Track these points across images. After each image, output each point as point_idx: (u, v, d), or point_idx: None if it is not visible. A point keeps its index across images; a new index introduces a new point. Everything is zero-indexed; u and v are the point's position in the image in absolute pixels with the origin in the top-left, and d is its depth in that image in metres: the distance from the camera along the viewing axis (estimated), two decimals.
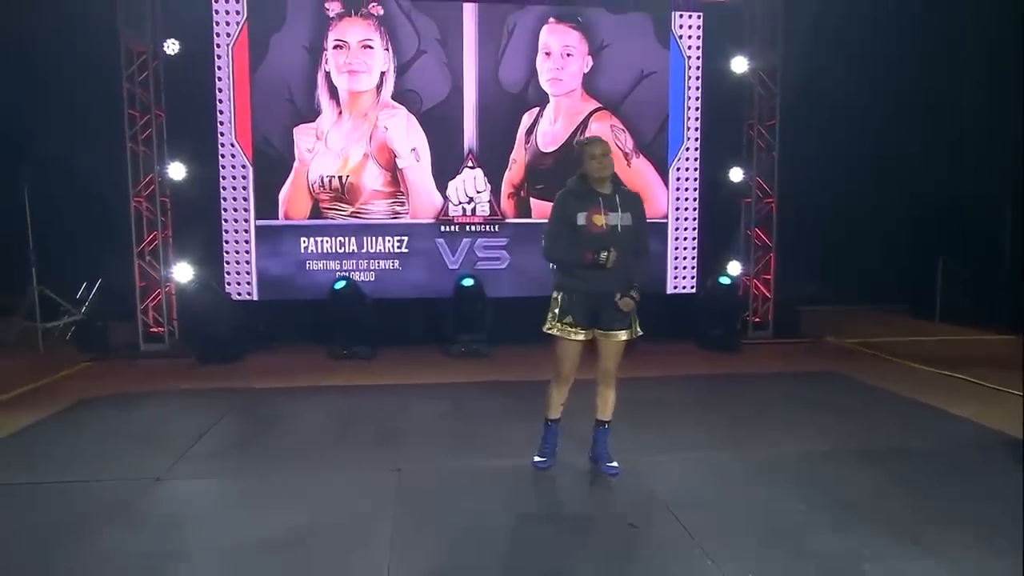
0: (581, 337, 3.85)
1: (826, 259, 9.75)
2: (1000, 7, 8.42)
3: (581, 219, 3.70)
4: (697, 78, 8.22)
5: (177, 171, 7.53)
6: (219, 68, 7.56)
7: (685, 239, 8.42)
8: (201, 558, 3.16)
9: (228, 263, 7.75)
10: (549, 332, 3.89)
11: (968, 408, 5.41)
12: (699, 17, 8.17)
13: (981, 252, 9.65)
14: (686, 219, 8.40)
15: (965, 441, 4.74)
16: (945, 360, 7.03)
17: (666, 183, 8.30)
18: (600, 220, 3.68)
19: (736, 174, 8.36)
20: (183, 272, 7.61)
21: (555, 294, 3.90)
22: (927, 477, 4.06)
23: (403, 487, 3.90)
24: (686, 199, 8.37)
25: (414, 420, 5.20)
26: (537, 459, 4.14)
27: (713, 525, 3.42)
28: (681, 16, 8.15)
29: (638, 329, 3.91)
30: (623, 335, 3.85)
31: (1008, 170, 9.07)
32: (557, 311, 3.85)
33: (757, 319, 8.56)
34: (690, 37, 8.18)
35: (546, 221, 3.91)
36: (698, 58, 8.20)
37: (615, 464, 4.04)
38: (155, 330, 7.70)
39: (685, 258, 8.44)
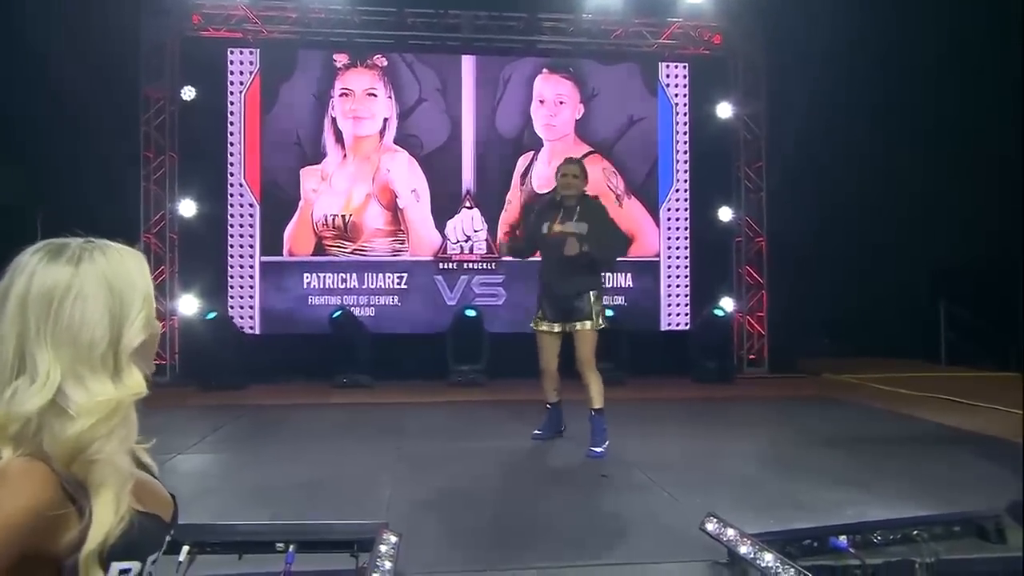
0: (552, 330, 4.86)
1: (829, 304, 10.52)
2: (978, 46, 9.39)
3: (544, 228, 4.84)
4: (685, 123, 9.41)
5: (188, 208, 8.62)
6: (231, 113, 8.78)
7: (678, 277, 9.40)
8: (226, 494, 3.99)
9: (232, 297, 8.72)
10: (532, 328, 5.00)
11: (938, 416, 6.23)
12: (684, 67, 9.44)
13: (984, 292, 10.35)
14: (678, 257, 9.41)
15: (924, 434, 5.58)
16: (936, 390, 7.78)
17: (657, 223, 9.35)
18: (556, 228, 4.73)
19: (725, 214, 9.42)
20: (188, 305, 8.56)
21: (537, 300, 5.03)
22: (881, 454, 4.88)
23: (403, 455, 4.76)
24: (677, 238, 9.41)
25: (414, 422, 6.08)
26: (535, 431, 5.16)
27: (675, 476, 4.24)
28: (667, 66, 9.42)
29: (600, 322, 4.84)
30: (586, 325, 4.78)
31: (1009, 204, 9.66)
32: (537, 312, 4.96)
33: (752, 356, 9.42)
34: (677, 86, 9.43)
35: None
36: (685, 105, 9.42)
37: (598, 450, 4.83)
38: (157, 362, 8.57)
39: (678, 295, 9.40)
